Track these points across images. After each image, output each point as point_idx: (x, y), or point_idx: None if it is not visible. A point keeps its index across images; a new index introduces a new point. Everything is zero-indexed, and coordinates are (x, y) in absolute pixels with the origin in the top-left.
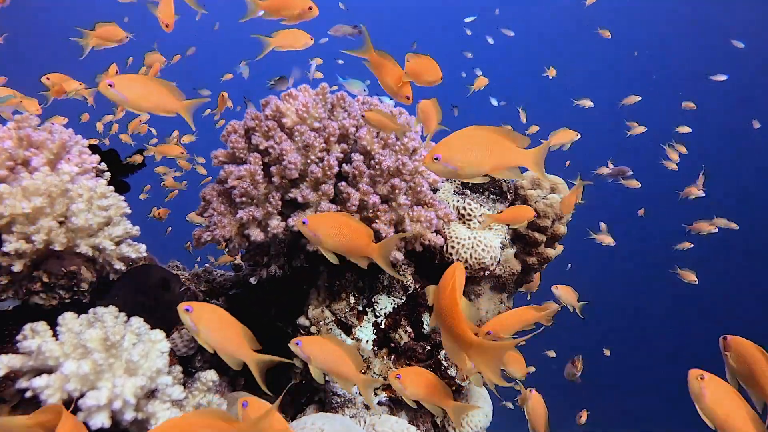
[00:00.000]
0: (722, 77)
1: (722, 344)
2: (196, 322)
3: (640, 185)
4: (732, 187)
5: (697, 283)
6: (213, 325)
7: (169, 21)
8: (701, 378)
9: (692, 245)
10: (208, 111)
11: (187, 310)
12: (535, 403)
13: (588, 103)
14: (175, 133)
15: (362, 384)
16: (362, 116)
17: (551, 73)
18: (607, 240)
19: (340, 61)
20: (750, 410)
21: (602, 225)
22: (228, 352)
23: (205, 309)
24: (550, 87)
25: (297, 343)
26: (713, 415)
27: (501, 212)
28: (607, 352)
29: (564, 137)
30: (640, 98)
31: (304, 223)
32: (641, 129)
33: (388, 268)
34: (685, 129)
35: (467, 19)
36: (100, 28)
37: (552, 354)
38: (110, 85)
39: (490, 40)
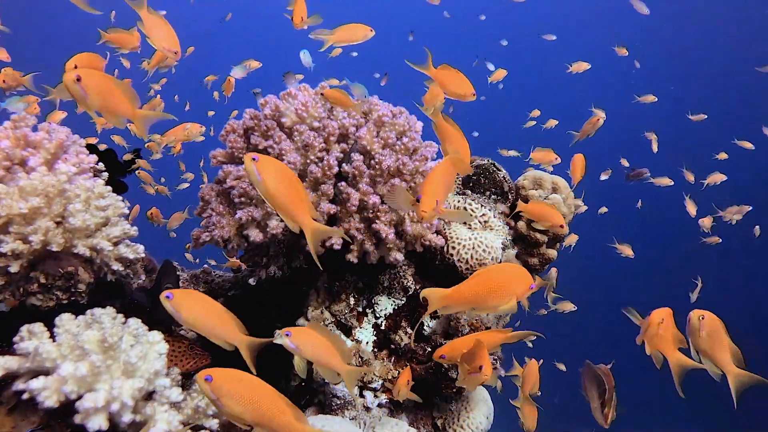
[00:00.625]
0: None
1: (698, 324)
2: (178, 308)
3: (672, 183)
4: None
5: (694, 300)
6: (196, 310)
7: (177, 48)
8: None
9: (720, 240)
10: (212, 113)
11: (167, 297)
12: (531, 368)
13: (601, 114)
14: (192, 127)
15: (345, 374)
16: (321, 94)
17: (578, 67)
18: (627, 251)
19: (354, 54)
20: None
21: (603, 209)
22: (216, 335)
23: (187, 294)
24: (548, 85)
25: (287, 334)
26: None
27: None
28: (611, 364)
29: (591, 126)
30: (656, 99)
31: (254, 159)
32: (654, 139)
33: (314, 249)
34: (720, 177)
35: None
36: (114, 33)
37: (562, 367)
38: (77, 79)
39: (504, 42)
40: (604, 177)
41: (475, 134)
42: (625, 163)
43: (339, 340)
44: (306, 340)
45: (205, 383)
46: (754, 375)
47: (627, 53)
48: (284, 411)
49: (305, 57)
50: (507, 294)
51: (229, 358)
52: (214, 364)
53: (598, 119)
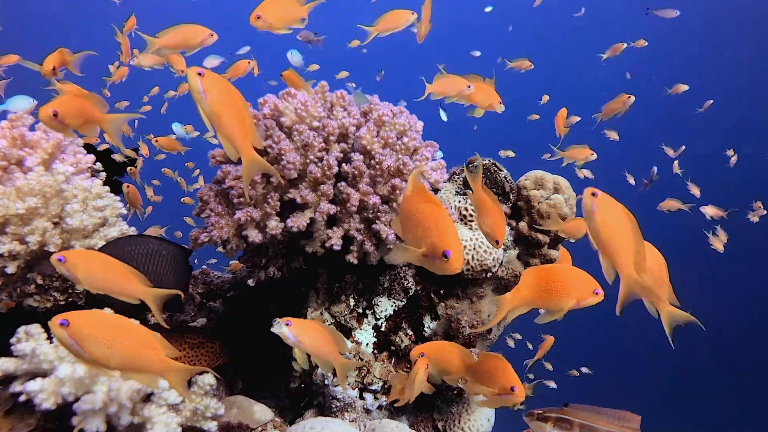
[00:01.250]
0: None
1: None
2: (73, 270)
3: (699, 193)
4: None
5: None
6: (93, 269)
7: (204, 35)
8: (594, 195)
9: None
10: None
11: (59, 260)
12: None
13: (614, 136)
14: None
15: (339, 366)
16: (281, 75)
17: (613, 52)
18: None
19: (364, 50)
20: (638, 236)
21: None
22: (117, 292)
23: (80, 254)
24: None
25: (287, 324)
26: (599, 236)
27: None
28: (586, 370)
29: (615, 106)
30: (687, 87)
31: (199, 74)
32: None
33: (246, 179)
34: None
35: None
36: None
37: (575, 373)
38: (54, 115)
39: (510, 28)
40: (586, 174)
41: (475, 128)
42: (631, 179)
43: (336, 333)
44: (305, 331)
45: (61, 328)
46: (688, 314)
47: (646, 44)
48: (155, 347)
49: (293, 57)
50: (564, 294)
51: (238, 356)
52: (227, 362)
53: (629, 97)
